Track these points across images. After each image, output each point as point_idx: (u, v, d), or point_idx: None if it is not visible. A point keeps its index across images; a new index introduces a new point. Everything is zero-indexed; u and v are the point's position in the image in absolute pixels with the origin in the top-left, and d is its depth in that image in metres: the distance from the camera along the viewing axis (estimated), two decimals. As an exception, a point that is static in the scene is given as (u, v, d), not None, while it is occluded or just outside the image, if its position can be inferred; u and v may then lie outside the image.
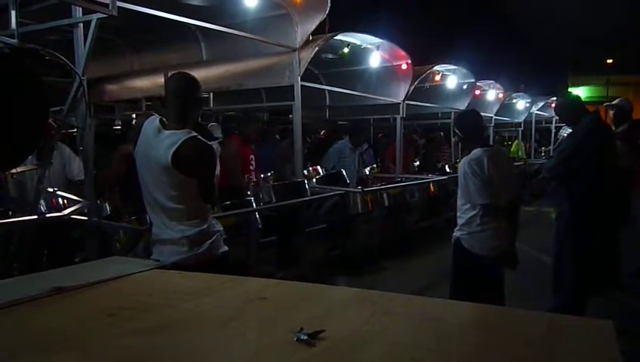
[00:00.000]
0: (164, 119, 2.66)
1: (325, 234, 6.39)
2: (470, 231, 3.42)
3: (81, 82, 3.19)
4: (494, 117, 10.96)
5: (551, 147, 13.71)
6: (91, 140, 3.54)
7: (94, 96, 5.92)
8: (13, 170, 3.50)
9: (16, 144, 2.61)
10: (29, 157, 3.24)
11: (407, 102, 7.39)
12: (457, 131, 3.80)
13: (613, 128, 5.19)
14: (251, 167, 5.38)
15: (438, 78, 8.50)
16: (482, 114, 3.94)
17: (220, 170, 2.76)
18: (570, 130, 4.31)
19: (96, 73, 5.94)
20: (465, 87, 9.06)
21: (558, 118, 5.28)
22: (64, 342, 1.40)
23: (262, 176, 5.49)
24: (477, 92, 9.74)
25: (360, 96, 7.11)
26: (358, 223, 6.47)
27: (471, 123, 3.65)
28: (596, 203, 3.91)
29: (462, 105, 9.04)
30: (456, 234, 3.52)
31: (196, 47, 6.05)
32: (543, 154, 14.57)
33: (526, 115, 12.91)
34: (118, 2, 3.04)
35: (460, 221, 3.51)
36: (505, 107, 11.69)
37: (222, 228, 2.81)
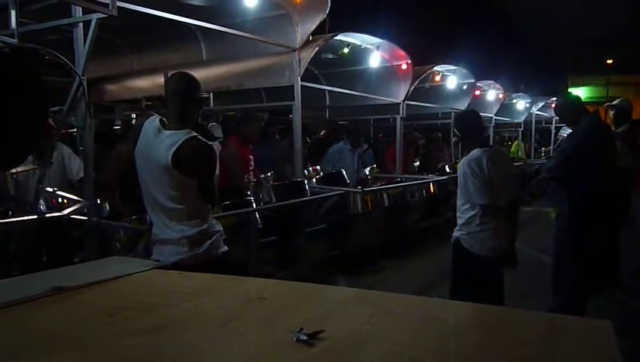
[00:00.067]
0: (164, 119, 2.66)
1: (325, 234, 6.39)
2: (470, 231, 3.42)
3: (81, 82, 3.19)
4: (494, 117, 10.97)
5: (551, 147, 13.72)
6: (91, 140, 3.54)
7: (94, 96, 5.92)
8: (13, 170, 3.50)
9: (16, 144, 2.61)
10: (29, 157, 3.24)
11: (407, 102, 7.39)
12: (457, 131, 3.81)
13: (613, 128, 5.20)
14: (250, 167, 5.37)
15: (438, 78, 8.50)
16: (482, 114, 3.95)
17: (219, 170, 2.76)
18: (570, 131, 4.31)
19: (96, 73, 5.94)
20: (465, 87, 9.07)
21: (558, 118, 5.29)
22: (64, 342, 1.40)
23: (262, 176, 5.49)
24: (477, 92, 9.74)
25: (360, 96, 7.11)
26: (358, 223, 6.47)
27: (470, 123, 3.65)
28: (596, 203, 3.91)
29: (462, 105, 9.04)
30: (456, 234, 3.52)
31: (196, 47, 6.05)
32: (542, 154, 14.58)
33: (526, 115, 12.92)
34: (118, 2, 3.04)
35: (459, 221, 3.51)
36: (505, 107, 11.70)
37: (222, 228, 2.81)
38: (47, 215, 3.42)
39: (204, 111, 6.03)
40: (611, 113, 5.49)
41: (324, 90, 7.63)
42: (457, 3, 23.21)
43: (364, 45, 6.67)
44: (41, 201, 3.64)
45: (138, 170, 2.68)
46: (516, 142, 13.82)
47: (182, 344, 1.37)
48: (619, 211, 4.92)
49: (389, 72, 7.28)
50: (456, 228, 3.53)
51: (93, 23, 3.10)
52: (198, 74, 2.82)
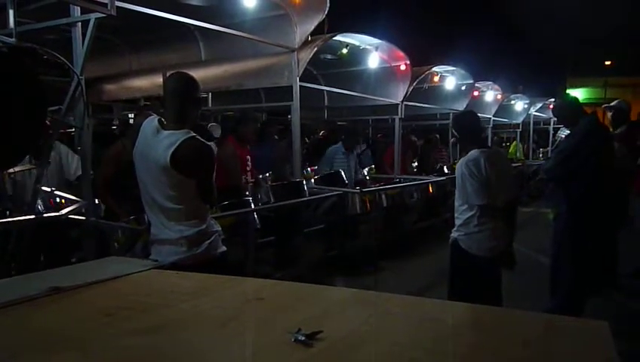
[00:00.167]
0: (162, 119, 2.66)
1: (323, 235, 6.39)
2: (467, 232, 3.43)
3: (80, 82, 3.19)
4: (493, 118, 10.98)
5: (549, 148, 13.74)
6: (89, 140, 3.54)
7: (92, 96, 5.91)
8: (11, 170, 3.49)
9: (15, 143, 2.61)
10: (26, 156, 3.24)
11: (405, 103, 7.39)
12: (455, 132, 3.81)
13: (611, 130, 5.21)
14: (248, 168, 5.37)
15: (436, 78, 8.50)
16: (480, 115, 3.95)
17: (216, 171, 2.76)
18: (568, 132, 4.32)
19: (95, 73, 5.94)
20: (463, 88, 9.07)
21: (556, 119, 5.30)
22: (62, 342, 1.40)
23: (260, 176, 5.49)
24: (475, 93, 9.74)
25: (359, 96, 7.11)
26: (356, 224, 6.48)
27: (468, 124, 3.66)
28: (594, 204, 3.91)
29: (460, 106, 9.05)
30: (454, 234, 3.52)
31: (195, 47, 6.05)
32: (541, 155, 14.60)
33: (524, 116, 12.93)
34: (116, 2, 3.04)
35: (457, 222, 3.51)
36: (503, 108, 11.71)
37: (220, 229, 2.82)
38: (45, 215, 3.41)
39: (202, 112, 6.03)
40: (609, 114, 5.50)
41: (322, 90, 7.63)
42: (456, 4, 23.24)
43: (362, 46, 6.67)
44: (39, 201, 3.63)
45: (137, 170, 2.68)
46: (514, 143, 13.84)
47: (180, 344, 1.37)
48: (617, 212, 4.93)
49: (387, 73, 7.28)
50: (454, 228, 3.54)
51: (91, 23, 3.10)
52: (197, 74, 2.82)
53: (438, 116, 10.67)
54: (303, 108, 5.51)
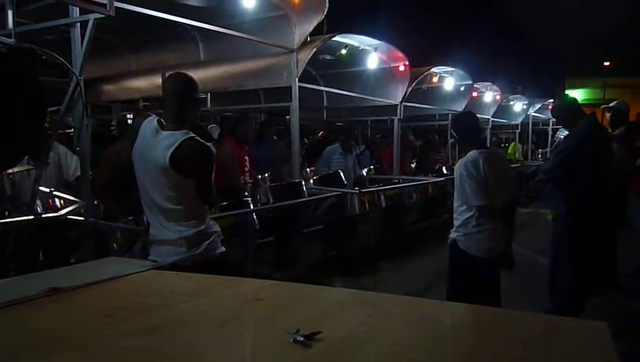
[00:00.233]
0: (162, 120, 2.66)
1: (322, 235, 6.39)
2: (466, 233, 3.43)
3: (78, 82, 3.18)
4: (491, 119, 10.99)
5: (548, 149, 13.75)
6: (88, 140, 3.53)
7: (91, 97, 5.91)
8: (10, 170, 3.49)
9: (14, 144, 2.60)
10: (25, 157, 3.24)
11: (404, 103, 7.40)
12: (454, 133, 3.82)
13: (610, 130, 5.21)
14: (246, 168, 5.37)
15: (435, 79, 8.51)
16: (479, 116, 3.96)
17: (215, 171, 2.76)
18: (567, 133, 4.32)
19: (94, 73, 5.93)
20: (462, 88, 9.08)
21: (555, 120, 5.30)
22: (62, 343, 1.40)
23: (259, 176, 5.49)
24: (474, 94, 9.76)
25: (358, 97, 7.12)
26: (355, 224, 6.48)
27: (467, 125, 3.66)
28: (593, 205, 3.92)
29: (459, 106, 9.05)
30: (453, 235, 3.53)
31: (194, 48, 6.05)
32: (540, 156, 14.62)
33: (523, 116, 12.95)
34: (115, 2, 3.04)
35: (456, 222, 3.52)
36: (502, 109, 11.72)
37: (219, 229, 2.81)
38: (44, 215, 3.41)
39: (201, 112, 6.04)
40: (608, 115, 5.51)
41: (321, 91, 7.63)
42: (455, 4, 23.27)
43: (361, 46, 6.67)
44: (38, 202, 3.63)
45: (136, 171, 2.68)
46: (513, 143, 13.86)
47: (179, 344, 1.37)
48: (616, 213, 4.94)
49: (386, 74, 7.29)
50: (453, 229, 3.54)
51: (90, 24, 3.10)
52: (196, 74, 2.82)
53: (437, 117, 10.69)
54: (302, 109, 5.51)
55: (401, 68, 7.12)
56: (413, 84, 7.37)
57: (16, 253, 3.35)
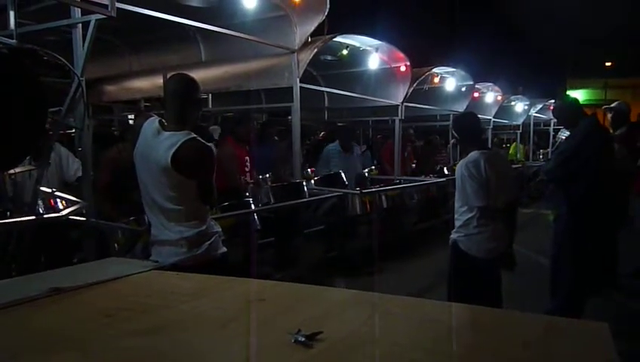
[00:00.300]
0: (163, 120, 2.66)
1: (323, 236, 6.40)
2: (467, 233, 3.43)
3: (80, 83, 3.18)
4: (493, 119, 10.98)
5: (549, 149, 13.74)
6: (89, 141, 3.54)
7: (93, 97, 5.92)
8: (11, 171, 3.50)
9: (15, 145, 2.61)
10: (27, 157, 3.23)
11: (405, 104, 7.39)
12: (455, 133, 3.82)
13: (611, 131, 5.21)
14: (246, 168, 5.37)
15: (436, 80, 8.51)
16: (481, 116, 3.96)
17: (215, 171, 2.76)
18: (569, 133, 4.32)
19: (95, 74, 5.94)
20: (463, 89, 9.07)
21: (556, 120, 5.30)
22: (63, 343, 1.40)
23: (260, 177, 5.49)
24: (475, 94, 9.75)
25: (359, 98, 7.11)
26: (356, 225, 6.48)
27: (469, 125, 3.66)
28: (594, 205, 3.92)
29: (460, 107, 9.05)
30: (454, 236, 3.53)
31: (195, 48, 6.05)
32: (541, 156, 14.60)
33: (524, 117, 12.93)
34: (117, 3, 3.04)
35: (457, 223, 3.51)
36: (503, 109, 11.71)
37: (220, 230, 2.82)
38: (46, 216, 3.41)
39: (203, 113, 6.04)
40: (609, 116, 5.50)
41: (323, 91, 7.63)
42: (456, 4, 23.25)
43: (363, 47, 6.67)
44: (39, 202, 3.63)
45: (137, 171, 2.69)
46: (514, 144, 13.84)
47: (180, 345, 1.37)
48: (617, 213, 4.93)
49: (387, 74, 7.29)
50: (454, 230, 3.54)
51: (92, 24, 3.10)
52: (197, 75, 2.83)
53: (438, 117, 10.67)
54: (303, 110, 5.52)
55: (403, 68, 7.12)
56: (415, 85, 7.37)
57: (17, 253, 3.35)
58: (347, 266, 5.88)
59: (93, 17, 3.07)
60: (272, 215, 5.10)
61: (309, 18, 5.15)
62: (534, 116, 13.60)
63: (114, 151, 4.53)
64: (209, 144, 2.66)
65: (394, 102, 7.36)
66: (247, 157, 5.41)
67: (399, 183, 7.18)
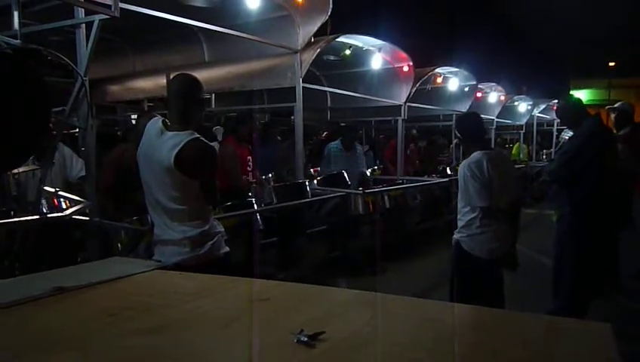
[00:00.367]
0: (166, 120, 2.67)
1: (326, 236, 6.40)
2: (470, 234, 3.43)
3: (83, 83, 3.20)
4: (496, 119, 10.97)
5: (552, 150, 13.72)
6: (93, 141, 3.55)
7: (96, 97, 5.94)
8: (15, 170, 3.51)
9: (19, 144, 2.62)
10: (30, 157, 3.25)
11: (408, 104, 7.40)
12: (458, 134, 3.81)
13: (615, 131, 5.19)
14: (249, 168, 5.38)
15: (439, 80, 8.50)
16: (484, 116, 3.95)
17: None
18: (572, 133, 4.31)
19: (98, 74, 5.96)
20: (466, 89, 9.07)
21: (559, 120, 5.29)
22: (66, 342, 1.41)
23: (263, 177, 5.50)
24: (479, 94, 9.73)
25: (361, 98, 7.12)
26: (359, 225, 6.48)
27: (472, 125, 3.66)
28: (597, 206, 3.91)
29: (463, 107, 9.04)
30: (456, 236, 3.52)
31: (198, 48, 6.06)
32: (544, 156, 14.58)
33: (528, 117, 12.92)
34: (120, 3, 3.05)
35: (459, 223, 3.51)
36: (507, 109, 11.70)
37: (223, 230, 2.82)
38: (49, 215, 3.42)
39: (206, 113, 6.05)
40: (613, 116, 5.49)
41: (325, 91, 7.64)
42: (460, 4, 23.22)
43: (365, 47, 6.68)
44: (43, 202, 3.65)
45: (140, 171, 2.69)
46: (517, 144, 13.82)
47: (183, 344, 1.37)
48: (620, 213, 4.92)
49: (390, 74, 7.29)
50: (457, 230, 3.54)
51: (95, 24, 3.12)
52: (200, 75, 2.83)
53: (441, 117, 10.67)
54: (305, 110, 5.52)
55: (405, 68, 7.12)
56: (418, 85, 7.37)
57: (21, 252, 3.36)
58: (350, 266, 5.89)
59: (97, 17, 3.08)
60: (274, 215, 5.10)
61: (312, 18, 5.16)
62: (537, 116, 13.58)
63: (117, 151, 4.55)
64: (212, 144, 2.67)
65: (397, 102, 7.36)
66: (250, 157, 5.42)
67: (402, 183, 7.18)
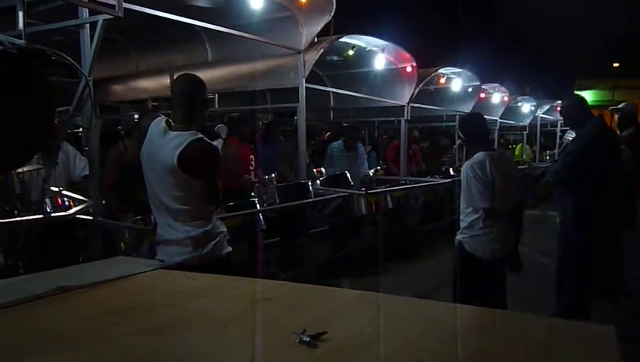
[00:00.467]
0: (170, 120, 2.67)
1: (329, 236, 6.40)
2: (472, 235, 3.42)
3: (87, 82, 3.21)
4: (499, 120, 10.95)
5: (556, 151, 13.68)
6: (96, 140, 3.56)
7: (100, 97, 5.93)
8: (19, 170, 3.52)
9: (23, 144, 2.62)
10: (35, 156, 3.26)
11: (411, 104, 7.39)
12: (461, 134, 3.81)
13: (618, 132, 5.18)
14: (251, 168, 5.38)
15: (443, 80, 8.48)
16: (487, 117, 3.95)
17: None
18: (575, 134, 4.30)
19: (102, 74, 5.96)
20: (470, 90, 9.05)
21: (563, 120, 5.28)
22: (68, 341, 1.41)
23: (266, 177, 5.50)
24: (482, 95, 9.72)
25: (364, 98, 7.11)
26: (361, 225, 6.48)
27: (475, 126, 3.65)
28: (601, 207, 3.90)
29: (467, 108, 9.03)
30: (459, 237, 3.52)
31: (201, 49, 6.06)
32: (547, 157, 14.54)
33: (531, 118, 12.89)
34: (124, 3, 3.06)
35: (462, 224, 3.51)
36: (510, 110, 11.67)
37: (226, 229, 2.83)
38: (53, 214, 3.43)
39: (209, 113, 6.05)
40: (616, 117, 5.47)
41: (328, 91, 7.63)
42: (463, 5, 23.20)
43: (369, 47, 6.67)
44: (47, 201, 3.66)
45: (144, 171, 2.70)
46: (520, 145, 13.78)
47: (185, 344, 1.38)
48: (623, 215, 4.90)
49: (393, 75, 7.28)
50: (459, 231, 3.53)
51: (99, 24, 3.12)
52: (204, 75, 2.84)
53: (444, 118, 10.65)
54: (308, 110, 5.52)
55: (409, 69, 7.11)
56: (421, 85, 7.36)
57: (25, 251, 3.38)
58: (352, 266, 5.89)
59: (101, 17, 3.09)
60: (277, 215, 5.11)
61: (315, 19, 5.16)
62: (541, 117, 13.55)
63: (118, 149, 4.56)
64: (215, 143, 2.67)
65: (400, 103, 7.35)
66: (252, 157, 5.42)
67: (405, 184, 7.17)
